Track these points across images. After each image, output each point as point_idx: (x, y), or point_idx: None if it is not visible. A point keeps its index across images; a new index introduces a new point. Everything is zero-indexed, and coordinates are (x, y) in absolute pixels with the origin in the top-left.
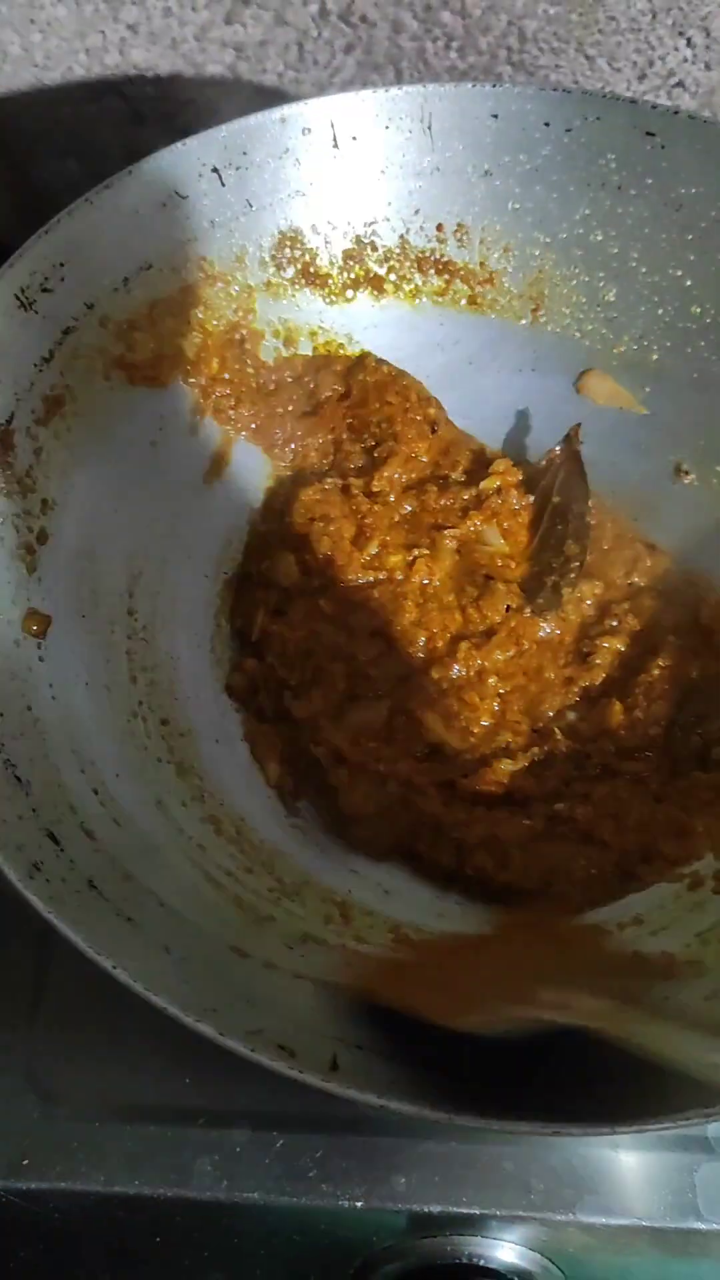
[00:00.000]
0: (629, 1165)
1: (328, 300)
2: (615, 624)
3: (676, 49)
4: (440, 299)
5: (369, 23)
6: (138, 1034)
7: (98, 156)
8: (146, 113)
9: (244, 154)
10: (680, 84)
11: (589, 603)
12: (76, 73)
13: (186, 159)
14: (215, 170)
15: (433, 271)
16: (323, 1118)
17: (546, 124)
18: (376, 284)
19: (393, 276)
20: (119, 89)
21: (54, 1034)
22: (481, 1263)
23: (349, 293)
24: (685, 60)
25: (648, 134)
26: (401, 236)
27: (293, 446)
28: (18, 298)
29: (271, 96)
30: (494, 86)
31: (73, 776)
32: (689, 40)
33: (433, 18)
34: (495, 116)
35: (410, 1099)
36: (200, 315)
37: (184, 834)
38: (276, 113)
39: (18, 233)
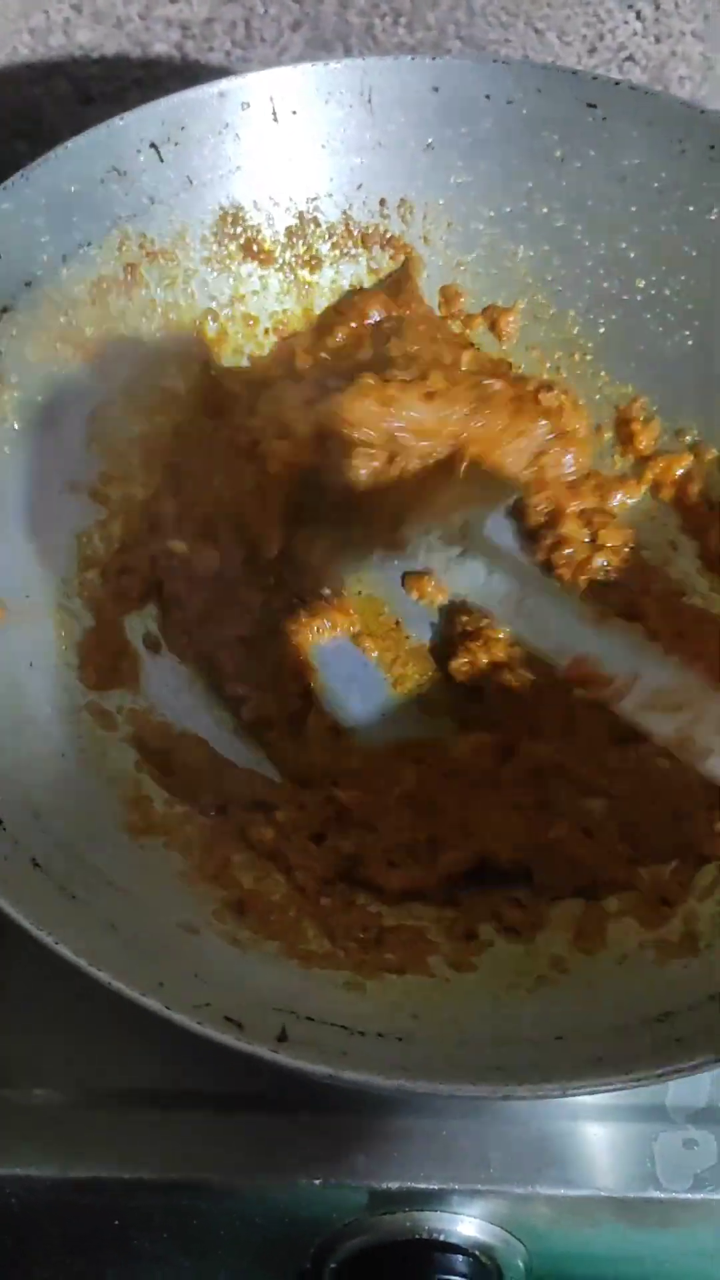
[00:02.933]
0: (588, 1137)
1: (270, 277)
2: None
3: (626, 22)
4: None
5: None
6: (93, 1018)
7: (47, 138)
8: (95, 93)
9: (182, 129)
10: (630, 57)
11: None
12: (21, 54)
13: (124, 135)
14: (154, 146)
15: (377, 247)
16: (281, 1097)
17: (487, 96)
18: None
19: (336, 253)
20: (65, 70)
21: (8, 1019)
22: (442, 1237)
23: (293, 269)
24: (635, 33)
25: (589, 105)
26: (344, 212)
27: None
28: None
29: (220, 75)
30: (434, 59)
31: (19, 757)
32: (638, 13)
33: None
34: (436, 89)
35: (361, 1068)
36: (146, 296)
37: None
38: (214, 87)
39: None
